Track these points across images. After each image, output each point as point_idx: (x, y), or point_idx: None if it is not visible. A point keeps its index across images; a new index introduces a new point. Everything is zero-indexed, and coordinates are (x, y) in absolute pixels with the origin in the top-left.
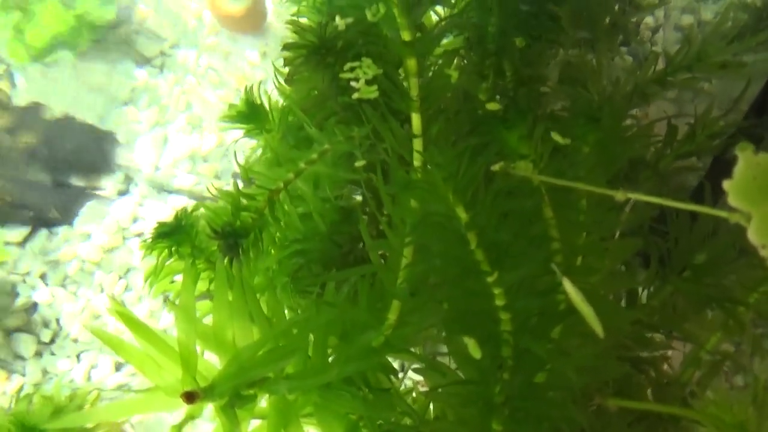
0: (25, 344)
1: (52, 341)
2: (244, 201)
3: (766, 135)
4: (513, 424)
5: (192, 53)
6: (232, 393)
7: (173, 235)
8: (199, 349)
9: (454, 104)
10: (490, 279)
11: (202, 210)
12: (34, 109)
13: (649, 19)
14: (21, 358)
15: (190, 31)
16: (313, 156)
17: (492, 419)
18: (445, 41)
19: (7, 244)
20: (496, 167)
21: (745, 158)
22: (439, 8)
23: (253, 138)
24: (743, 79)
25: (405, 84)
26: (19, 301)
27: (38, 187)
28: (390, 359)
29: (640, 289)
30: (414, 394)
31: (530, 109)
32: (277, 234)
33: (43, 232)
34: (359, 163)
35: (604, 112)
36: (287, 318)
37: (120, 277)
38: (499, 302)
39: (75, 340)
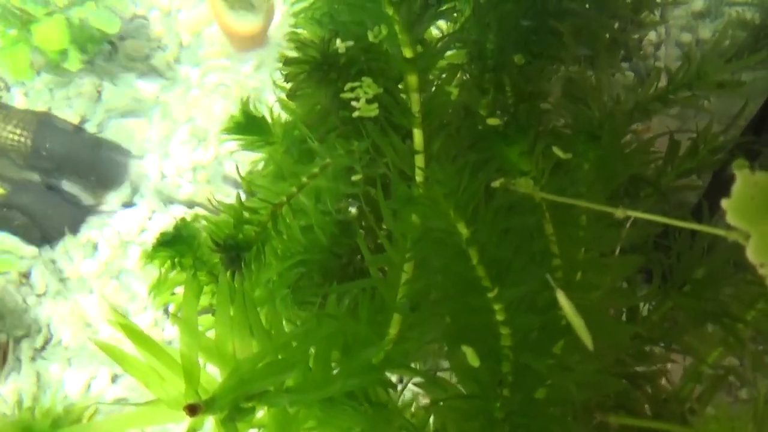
0: (24, 350)
1: (44, 347)
2: (246, 214)
3: (764, 151)
4: None
5: (195, 66)
6: (232, 406)
7: (174, 244)
8: (201, 361)
9: (455, 119)
10: (490, 295)
11: (203, 222)
12: (35, 119)
13: (651, 35)
14: (18, 360)
15: (194, 45)
16: (314, 170)
17: None
18: (448, 53)
19: (7, 252)
20: (496, 183)
21: (743, 177)
22: (440, 23)
23: (252, 150)
24: (742, 97)
25: (406, 100)
26: (27, 314)
27: (38, 195)
28: (389, 372)
29: (641, 305)
30: (413, 408)
31: (531, 125)
32: (279, 247)
33: (45, 242)
34: (356, 177)
35: (604, 130)
36: (287, 331)
37: (116, 281)
38: (500, 318)
39: (66, 348)
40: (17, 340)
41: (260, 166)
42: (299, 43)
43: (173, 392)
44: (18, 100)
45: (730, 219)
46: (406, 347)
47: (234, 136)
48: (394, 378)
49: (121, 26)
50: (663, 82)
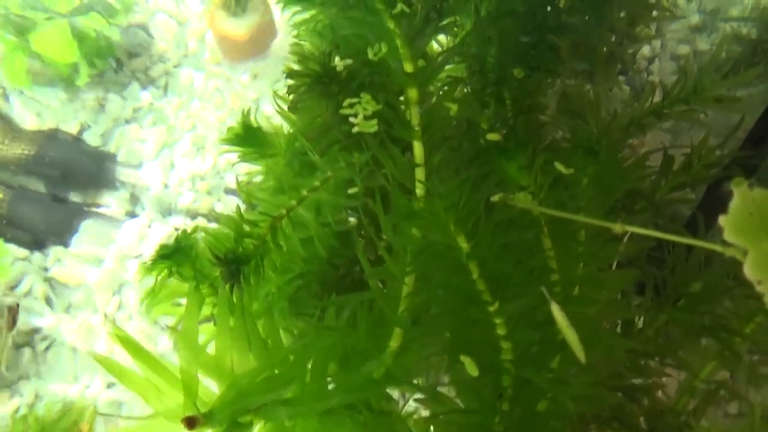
0: (26, 363)
1: (45, 359)
2: (246, 227)
3: (761, 166)
4: None
5: (194, 74)
6: (231, 420)
7: (173, 256)
8: (199, 374)
9: (455, 133)
10: (491, 309)
11: (202, 234)
12: (40, 133)
13: (645, 49)
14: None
15: (192, 53)
16: (315, 183)
17: None
18: (448, 66)
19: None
20: (496, 198)
21: (741, 194)
22: (440, 36)
23: (251, 162)
24: (738, 112)
25: (407, 113)
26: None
27: (37, 205)
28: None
29: (636, 318)
30: (414, 418)
31: (530, 139)
32: (278, 260)
33: (40, 252)
34: (352, 190)
35: (602, 145)
36: (285, 344)
37: (113, 291)
38: (501, 332)
39: (71, 358)
40: (17, 347)
41: (258, 178)
42: (301, 56)
43: (171, 405)
44: (19, 109)
45: (728, 235)
46: (407, 360)
47: (233, 148)
48: (395, 394)
49: (122, 36)
50: (657, 96)
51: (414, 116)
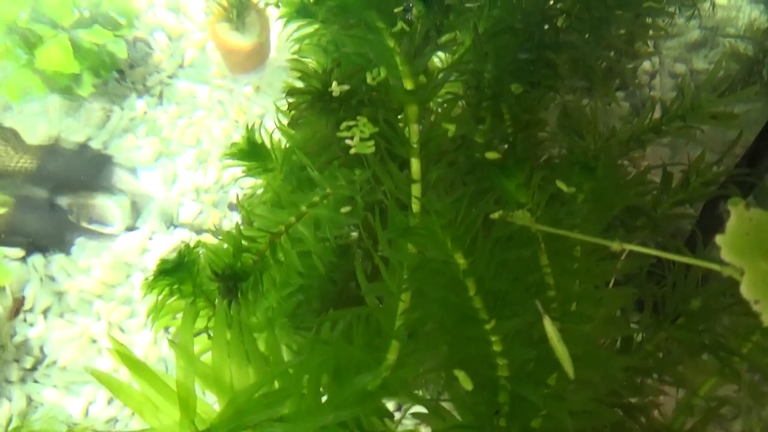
0: (13, 371)
1: (34, 368)
2: (245, 243)
3: (757, 184)
4: None
5: (194, 86)
6: None
7: (175, 272)
8: (198, 388)
9: (452, 148)
10: (488, 326)
11: (202, 249)
12: (38, 139)
13: (646, 65)
14: (9, 382)
15: (194, 65)
16: (314, 199)
17: None
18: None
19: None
20: (495, 215)
21: (737, 213)
22: (440, 52)
23: (254, 176)
24: (736, 128)
25: (405, 130)
26: (18, 337)
27: (39, 213)
28: (388, 401)
29: (635, 335)
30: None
31: (528, 156)
32: (277, 276)
33: (40, 260)
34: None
35: (599, 161)
36: (284, 358)
37: (116, 300)
38: (497, 349)
39: (63, 368)
40: (7, 362)
41: (260, 191)
42: (302, 73)
43: (168, 422)
44: (22, 120)
45: (725, 255)
46: (403, 374)
47: (236, 162)
48: (391, 405)
49: (126, 49)
50: (657, 112)
51: (413, 133)
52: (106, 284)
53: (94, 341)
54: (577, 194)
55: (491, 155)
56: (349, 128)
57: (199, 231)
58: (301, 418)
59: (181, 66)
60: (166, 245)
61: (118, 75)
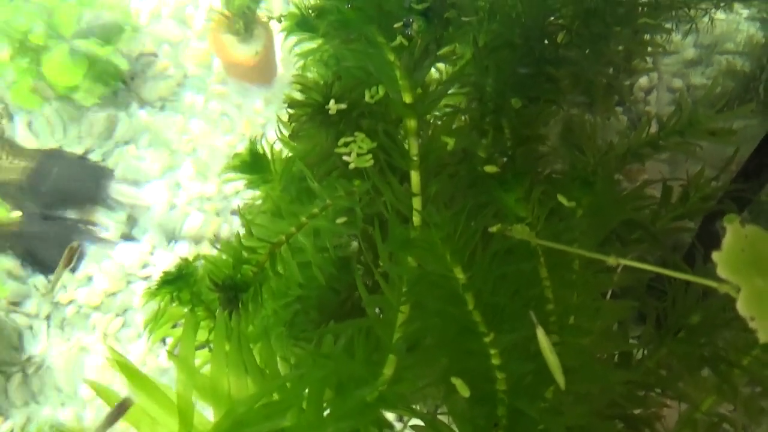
0: (18, 389)
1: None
2: (245, 254)
3: (753, 199)
4: None
5: (199, 98)
6: None
7: (175, 282)
8: (195, 401)
9: (453, 161)
10: (486, 339)
11: (201, 261)
12: (40, 153)
13: (643, 80)
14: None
15: (197, 77)
16: (314, 210)
17: None
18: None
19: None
20: (493, 229)
21: (733, 231)
22: (440, 63)
23: (255, 188)
24: (733, 144)
25: (405, 142)
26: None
27: (37, 226)
28: (389, 413)
29: (635, 349)
30: None
31: (528, 171)
32: (276, 286)
33: (43, 272)
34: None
35: (598, 176)
36: (282, 371)
37: (117, 316)
38: (496, 362)
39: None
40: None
41: (259, 202)
42: (303, 86)
43: None
44: (22, 128)
45: (721, 272)
46: (401, 388)
47: (238, 176)
48: (392, 417)
49: (128, 58)
50: (654, 127)
51: (412, 146)
52: (104, 294)
53: (82, 349)
54: (576, 209)
55: (490, 169)
56: (346, 144)
57: (199, 241)
58: (302, 431)
59: (185, 76)
60: (165, 257)
61: (123, 85)
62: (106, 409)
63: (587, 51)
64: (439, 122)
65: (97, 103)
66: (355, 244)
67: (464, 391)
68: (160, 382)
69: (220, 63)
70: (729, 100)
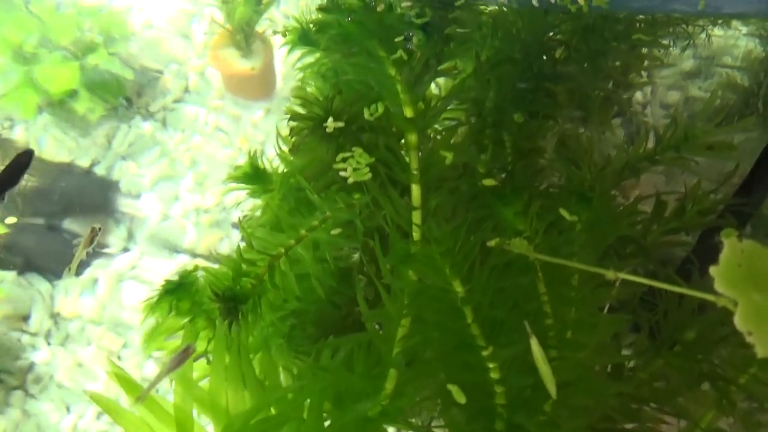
0: (16, 399)
1: (39, 390)
2: (244, 266)
3: (754, 213)
4: None
5: (199, 111)
6: None
7: (176, 291)
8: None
9: (453, 175)
10: (485, 353)
11: (201, 272)
12: (41, 164)
13: (637, 95)
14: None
15: (197, 90)
16: (314, 223)
17: None
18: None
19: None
20: (492, 243)
21: (730, 245)
22: (438, 79)
23: (255, 198)
24: (733, 158)
25: (406, 156)
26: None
27: (40, 236)
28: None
29: (626, 362)
30: None
31: (526, 185)
32: (274, 298)
33: (45, 281)
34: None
35: (595, 191)
36: (282, 383)
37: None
38: (494, 376)
39: (60, 386)
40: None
41: (258, 213)
42: (304, 100)
43: None
44: (26, 141)
45: (718, 286)
46: (402, 402)
47: (240, 186)
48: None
49: (132, 73)
50: (651, 141)
51: (413, 160)
52: (102, 306)
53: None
54: (575, 223)
55: (489, 182)
56: (344, 160)
57: (197, 253)
58: None
59: (186, 90)
60: (166, 268)
61: (125, 101)
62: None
63: (585, 66)
64: (439, 136)
65: (103, 116)
66: (355, 256)
67: (460, 398)
68: (159, 396)
69: (219, 77)
70: (729, 113)
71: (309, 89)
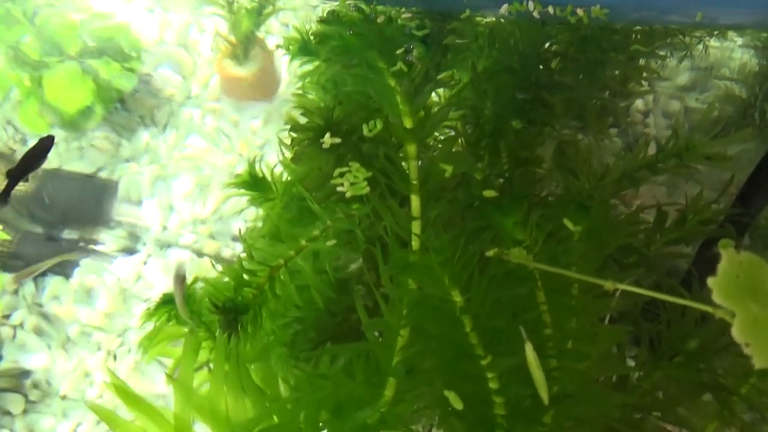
0: (13, 403)
1: (41, 399)
2: (245, 277)
3: (751, 224)
4: None
5: (199, 118)
6: None
7: (172, 303)
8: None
9: (452, 184)
10: (484, 363)
11: (200, 283)
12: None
13: (639, 103)
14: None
15: (197, 96)
16: (315, 233)
17: None
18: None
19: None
20: (491, 253)
21: (727, 257)
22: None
23: (256, 206)
24: (729, 169)
25: (405, 167)
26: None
27: (39, 245)
28: None
29: (631, 372)
30: None
31: (525, 194)
32: (275, 308)
33: (40, 285)
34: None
35: (594, 200)
36: (282, 392)
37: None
38: (493, 386)
39: (63, 397)
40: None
41: (260, 224)
42: (305, 109)
43: None
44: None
45: (716, 298)
46: (401, 410)
47: (240, 192)
48: None
49: (132, 80)
50: (651, 149)
51: (412, 170)
52: (102, 313)
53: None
54: (574, 233)
55: (488, 193)
56: (342, 175)
57: (196, 262)
58: None
59: (188, 97)
60: (164, 276)
61: (120, 105)
62: None
63: (582, 76)
64: (439, 146)
65: (102, 123)
66: (353, 266)
67: (457, 404)
68: (159, 406)
69: (217, 81)
70: (726, 125)
71: (310, 97)
